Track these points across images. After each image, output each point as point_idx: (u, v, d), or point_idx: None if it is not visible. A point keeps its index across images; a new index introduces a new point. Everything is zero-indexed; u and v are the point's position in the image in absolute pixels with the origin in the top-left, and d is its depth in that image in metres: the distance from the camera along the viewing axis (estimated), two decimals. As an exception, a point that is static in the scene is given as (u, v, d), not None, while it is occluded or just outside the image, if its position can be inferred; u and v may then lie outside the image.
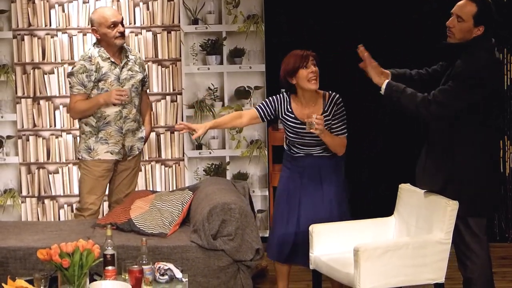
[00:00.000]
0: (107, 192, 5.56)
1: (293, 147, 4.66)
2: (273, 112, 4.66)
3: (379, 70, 4.30)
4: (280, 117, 4.65)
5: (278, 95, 4.68)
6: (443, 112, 4.00)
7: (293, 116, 4.60)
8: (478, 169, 4.05)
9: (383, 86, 4.17)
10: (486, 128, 4.07)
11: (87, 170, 5.37)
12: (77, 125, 6.14)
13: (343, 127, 4.58)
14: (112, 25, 5.19)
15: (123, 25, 5.25)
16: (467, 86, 3.96)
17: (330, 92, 4.62)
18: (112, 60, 5.26)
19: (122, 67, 5.28)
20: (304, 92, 4.56)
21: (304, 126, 4.49)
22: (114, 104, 5.18)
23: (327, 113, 4.56)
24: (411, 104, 4.07)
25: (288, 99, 4.64)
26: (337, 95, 4.62)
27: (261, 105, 4.69)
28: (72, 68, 5.31)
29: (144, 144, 5.57)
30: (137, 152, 5.45)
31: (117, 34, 5.20)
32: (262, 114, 4.67)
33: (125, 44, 5.40)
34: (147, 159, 6.29)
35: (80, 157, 5.40)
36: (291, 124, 4.60)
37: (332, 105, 4.57)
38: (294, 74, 4.52)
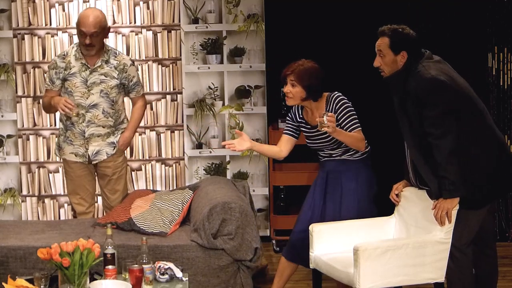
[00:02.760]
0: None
1: (317, 154, 4.71)
2: (297, 125, 4.71)
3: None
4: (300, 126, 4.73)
5: (292, 109, 4.74)
6: (449, 135, 4.01)
7: (304, 122, 4.65)
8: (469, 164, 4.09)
9: (436, 197, 4.13)
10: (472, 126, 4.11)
11: (65, 170, 5.40)
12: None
13: (354, 121, 4.53)
14: (80, 33, 5.10)
15: (93, 37, 5.05)
16: (435, 102, 4.02)
17: (331, 93, 4.62)
18: (84, 61, 5.17)
19: (93, 71, 5.18)
20: (302, 104, 4.63)
21: (313, 130, 4.55)
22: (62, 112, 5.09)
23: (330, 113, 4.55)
24: (443, 162, 4.02)
25: (299, 106, 4.69)
26: (337, 93, 4.61)
27: (286, 126, 4.75)
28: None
29: (122, 149, 5.38)
30: (105, 157, 5.28)
31: (83, 43, 5.09)
32: (292, 133, 4.71)
33: (111, 48, 5.31)
34: (147, 158, 6.30)
35: (55, 153, 5.47)
36: (305, 130, 4.66)
37: (332, 103, 4.57)
38: None
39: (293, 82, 4.53)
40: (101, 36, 5.13)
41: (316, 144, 4.62)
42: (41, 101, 5.52)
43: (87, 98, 5.17)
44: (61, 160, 5.47)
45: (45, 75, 5.29)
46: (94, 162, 5.30)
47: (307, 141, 4.68)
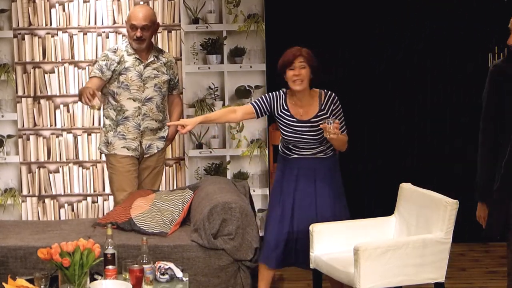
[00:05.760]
0: None
1: (287, 149, 4.65)
2: (268, 109, 4.63)
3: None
4: (276, 114, 4.62)
5: (274, 92, 4.67)
6: None
7: (289, 114, 4.59)
8: None
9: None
10: None
11: (112, 167, 5.40)
12: (77, 125, 6.20)
13: (343, 124, 4.56)
14: (131, 26, 5.22)
15: (144, 30, 5.19)
16: None
17: (325, 91, 4.62)
18: (137, 56, 5.29)
19: (147, 65, 5.30)
20: (296, 91, 4.55)
21: (300, 124, 4.52)
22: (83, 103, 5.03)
23: (324, 111, 4.56)
24: None
25: (284, 97, 4.63)
26: (334, 94, 4.60)
27: (257, 101, 4.67)
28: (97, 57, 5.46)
29: (168, 144, 5.59)
30: (156, 151, 5.43)
31: (134, 37, 5.22)
32: (258, 110, 4.64)
33: (157, 46, 5.48)
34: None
35: (99, 151, 5.50)
36: (287, 122, 4.58)
37: (329, 104, 4.57)
38: (283, 74, 4.55)
39: (302, 64, 4.49)
40: (151, 30, 5.27)
41: (297, 139, 4.55)
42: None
43: (143, 92, 5.29)
44: (104, 157, 5.53)
45: (94, 66, 5.35)
46: (146, 156, 5.42)
47: (286, 134, 4.57)
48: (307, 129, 4.52)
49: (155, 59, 5.34)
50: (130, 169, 5.37)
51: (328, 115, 4.54)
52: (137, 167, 5.44)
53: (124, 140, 5.34)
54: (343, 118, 4.58)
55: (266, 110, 4.64)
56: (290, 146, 4.62)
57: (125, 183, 5.36)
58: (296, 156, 4.61)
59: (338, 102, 4.58)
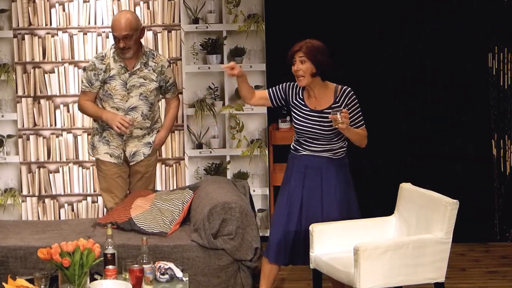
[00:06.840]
0: None
1: (298, 145, 4.65)
2: (283, 97, 4.63)
3: None
4: (291, 102, 4.61)
5: (291, 82, 4.65)
6: None
7: (303, 103, 4.57)
8: None
9: None
10: None
11: (99, 169, 5.38)
12: (77, 125, 6.21)
13: (360, 119, 4.52)
14: (114, 37, 5.12)
15: (127, 39, 5.05)
16: None
17: (342, 85, 4.60)
18: (123, 64, 5.17)
19: (133, 74, 5.19)
20: (310, 83, 4.55)
21: (312, 114, 4.51)
22: (117, 129, 5.13)
23: (338, 104, 4.52)
24: None
25: (301, 88, 4.62)
26: (349, 89, 4.58)
27: (273, 88, 4.67)
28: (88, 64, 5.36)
29: (157, 149, 5.48)
30: (142, 158, 5.33)
31: (118, 47, 5.11)
32: (273, 96, 4.65)
33: (149, 49, 5.34)
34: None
35: (87, 151, 5.45)
36: (300, 110, 4.57)
37: (344, 97, 4.54)
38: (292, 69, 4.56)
39: (302, 59, 4.48)
40: (135, 37, 5.11)
41: (308, 129, 4.53)
42: (77, 103, 5.44)
43: (126, 101, 5.19)
44: (94, 159, 5.49)
45: (81, 76, 5.28)
46: (132, 164, 5.33)
47: (298, 123, 4.56)
48: (319, 119, 4.50)
49: (143, 66, 5.18)
50: (116, 172, 5.32)
51: (342, 108, 4.51)
52: (127, 170, 5.37)
53: (107, 145, 5.28)
54: (360, 113, 4.54)
55: (281, 97, 4.63)
56: (301, 140, 4.60)
57: (113, 186, 5.34)
58: (305, 153, 4.60)
59: (354, 96, 4.54)
